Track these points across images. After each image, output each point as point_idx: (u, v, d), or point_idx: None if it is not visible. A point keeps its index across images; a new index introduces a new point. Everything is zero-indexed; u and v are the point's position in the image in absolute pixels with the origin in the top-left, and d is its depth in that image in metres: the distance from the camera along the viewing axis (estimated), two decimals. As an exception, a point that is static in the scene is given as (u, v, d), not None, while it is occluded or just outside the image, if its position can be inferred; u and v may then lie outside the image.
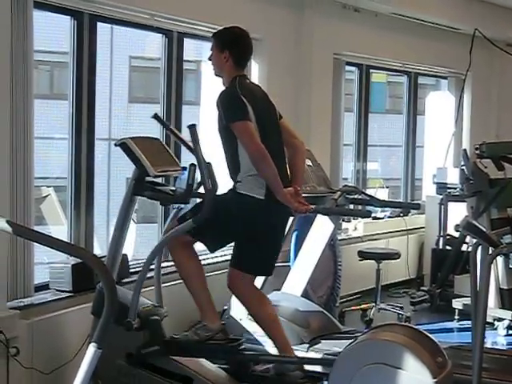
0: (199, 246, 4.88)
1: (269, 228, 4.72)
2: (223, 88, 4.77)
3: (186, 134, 6.70)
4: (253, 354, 4.98)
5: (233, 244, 4.85)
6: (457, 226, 7.39)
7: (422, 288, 8.74)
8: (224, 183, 4.81)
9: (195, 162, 4.48)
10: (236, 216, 4.67)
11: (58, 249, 2.93)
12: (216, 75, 4.88)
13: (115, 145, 4.68)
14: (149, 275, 5.26)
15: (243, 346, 4.84)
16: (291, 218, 5.21)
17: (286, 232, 5.17)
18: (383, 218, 9.41)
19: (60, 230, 7.12)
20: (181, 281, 4.86)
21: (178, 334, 4.82)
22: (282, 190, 4.57)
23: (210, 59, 4.87)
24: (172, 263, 4.99)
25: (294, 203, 4.64)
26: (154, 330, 4.77)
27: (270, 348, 4.96)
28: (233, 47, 4.77)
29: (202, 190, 4.60)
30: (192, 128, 4.43)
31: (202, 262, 4.96)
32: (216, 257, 6.18)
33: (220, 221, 4.64)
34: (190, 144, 4.59)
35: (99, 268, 2.77)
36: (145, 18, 6.34)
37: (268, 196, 4.59)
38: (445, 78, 10.64)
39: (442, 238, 8.64)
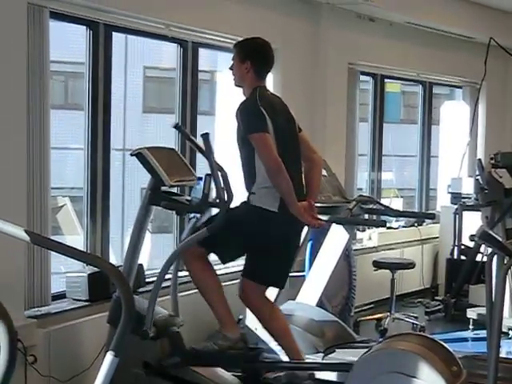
0: (212, 257, 4.90)
1: (281, 240, 4.72)
2: (243, 99, 4.77)
3: (200, 145, 6.76)
4: (272, 361, 4.99)
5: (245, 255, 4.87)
6: (471, 235, 7.40)
7: (436, 298, 8.74)
8: (240, 194, 4.83)
9: (210, 172, 4.51)
10: (249, 228, 4.67)
11: (75, 257, 2.94)
12: (236, 85, 4.88)
13: (131, 154, 4.71)
14: (165, 285, 5.30)
15: (262, 355, 4.85)
16: (306, 228, 5.20)
17: (299, 245, 5.16)
18: (398, 228, 9.39)
19: (76, 239, 7.13)
20: (196, 290, 4.87)
21: (197, 345, 4.82)
22: (296, 204, 4.58)
23: (231, 69, 4.87)
24: (187, 273, 5.00)
25: (308, 217, 4.65)
26: (172, 340, 4.78)
27: (285, 357, 4.97)
28: (254, 58, 4.77)
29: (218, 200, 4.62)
30: (205, 137, 4.45)
31: (218, 272, 4.97)
32: (230, 267, 6.19)
33: (233, 233, 4.66)
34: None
35: (116, 276, 2.77)
36: (160, 28, 6.36)
37: (282, 209, 4.59)
38: (459, 87, 10.63)
39: (456, 248, 8.63)
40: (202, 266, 4.78)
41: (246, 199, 4.73)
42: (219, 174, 4.61)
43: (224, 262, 4.93)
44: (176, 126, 5.24)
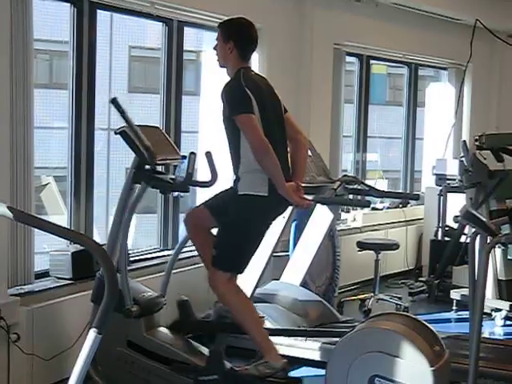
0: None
1: (266, 225, 4.73)
2: (227, 80, 4.73)
3: (185, 125, 6.76)
4: None
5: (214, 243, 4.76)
6: (456, 217, 7.48)
7: (420, 279, 8.76)
8: (226, 174, 4.82)
9: (195, 151, 4.50)
10: (236, 217, 4.64)
11: (59, 235, 2.93)
12: (220, 66, 4.83)
13: (115, 133, 4.68)
14: (149, 263, 5.32)
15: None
16: (290, 208, 5.19)
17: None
18: (382, 209, 9.42)
19: (60, 219, 7.12)
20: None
21: (238, 366, 4.68)
22: (284, 185, 4.55)
23: (215, 49, 4.83)
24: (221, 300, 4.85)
25: (296, 198, 4.63)
26: (153, 317, 4.80)
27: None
28: (237, 38, 4.73)
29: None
30: (114, 101, 4.48)
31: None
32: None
33: (234, 234, 4.63)
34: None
35: (99, 254, 2.77)
36: (145, 6, 6.32)
37: (271, 192, 4.57)
38: (445, 69, 10.62)
39: (440, 229, 8.67)
40: (235, 291, 4.67)
41: (233, 186, 4.69)
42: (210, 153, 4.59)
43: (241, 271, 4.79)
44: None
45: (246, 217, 4.61)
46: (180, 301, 5.03)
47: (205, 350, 4.83)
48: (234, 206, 4.66)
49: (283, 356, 4.68)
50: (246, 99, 4.55)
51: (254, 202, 4.60)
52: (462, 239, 7.85)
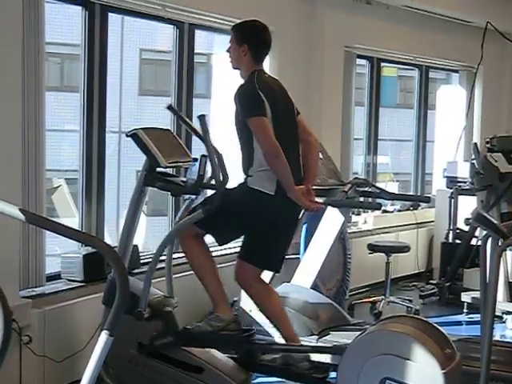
0: (208, 239, 4.90)
1: (278, 223, 4.71)
2: (240, 82, 4.74)
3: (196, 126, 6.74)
4: (265, 343, 5.00)
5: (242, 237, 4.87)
6: (467, 219, 7.46)
7: (431, 281, 8.75)
8: (236, 176, 4.82)
9: (206, 153, 4.50)
10: (245, 209, 4.67)
11: (71, 237, 2.94)
12: (234, 68, 4.83)
13: (126, 135, 4.69)
14: (160, 266, 5.31)
15: (255, 337, 4.86)
16: (302, 211, 5.20)
17: (296, 229, 5.15)
18: (393, 212, 9.41)
19: (71, 221, 7.15)
20: (192, 272, 4.88)
21: (190, 325, 4.83)
22: (294, 188, 4.57)
23: (228, 51, 4.84)
24: (183, 254, 5.00)
25: (305, 202, 4.64)
26: (165, 321, 4.80)
27: (279, 339, 4.99)
28: (251, 41, 4.73)
29: (213, 181, 4.61)
30: (202, 118, 4.45)
31: (213, 254, 4.97)
32: (227, 248, 6.19)
33: (229, 214, 4.64)
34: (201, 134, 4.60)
35: (111, 257, 2.78)
36: (156, 9, 6.35)
37: (278, 192, 4.58)
38: (456, 71, 10.62)
39: (451, 232, 8.65)
40: (198, 246, 4.78)
41: (242, 181, 4.72)
42: (215, 155, 4.61)
43: (220, 243, 4.91)
44: (169, 107, 5.20)
45: (256, 209, 4.63)
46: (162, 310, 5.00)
47: (217, 353, 4.85)
48: (244, 198, 4.67)
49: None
50: (258, 102, 4.56)
51: (260, 197, 4.60)
52: (473, 242, 7.83)
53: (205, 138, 4.50)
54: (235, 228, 4.78)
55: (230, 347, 4.84)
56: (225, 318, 4.72)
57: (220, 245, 4.93)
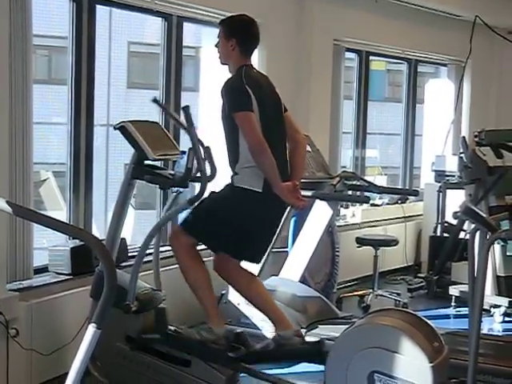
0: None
1: (264, 220, 4.69)
2: (228, 76, 4.71)
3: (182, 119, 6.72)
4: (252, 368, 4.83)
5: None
6: (455, 213, 7.44)
7: (419, 275, 8.78)
8: (224, 170, 4.81)
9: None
10: (235, 215, 4.62)
11: (58, 229, 2.92)
12: (222, 64, 4.81)
13: (114, 128, 4.68)
14: (148, 259, 5.31)
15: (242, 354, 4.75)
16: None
17: (280, 224, 5.12)
18: (381, 205, 9.42)
19: (59, 214, 7.13)
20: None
21: (182, 327, 4.82)
22: (280, 185, 4.54)
23: (216, 46, 4.82)
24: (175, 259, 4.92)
25: (291, 198, 4.61)
26: (156, 316, 4.79)
27: (268, 333, 4.98)
28: (240, 35, 4.71)
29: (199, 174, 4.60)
30: (186, 109, 4.44)
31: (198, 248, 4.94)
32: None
33: (220, 219, 4.63)
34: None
35: (99, 249, 2.76)
36: (144, 1, 6.32)
37: (266, 189, 4.55)
38: (444, 65, 10.62)
39: (439, 226, 8.68)
40: (192, 257, 4.73)
41: (230, 181, 4.69)
42: (201, 148, 4.60)
43: (214, 250, 4.87)
44: (154, 100, 5.15)
45: (244, 208, 4.60)
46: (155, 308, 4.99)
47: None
48: (232, 199, 4.64)
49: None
50: (245, 96, 4.53)
51: (246, 196, 4.59)
52: (461, 235, 7.83)
53: (189, 129, 4.48)
54: (227, 234, 4.71)
55: (216, 362, 4.70)
56: (217, 331, 4.67)
57: (214, 252, 4.86)
